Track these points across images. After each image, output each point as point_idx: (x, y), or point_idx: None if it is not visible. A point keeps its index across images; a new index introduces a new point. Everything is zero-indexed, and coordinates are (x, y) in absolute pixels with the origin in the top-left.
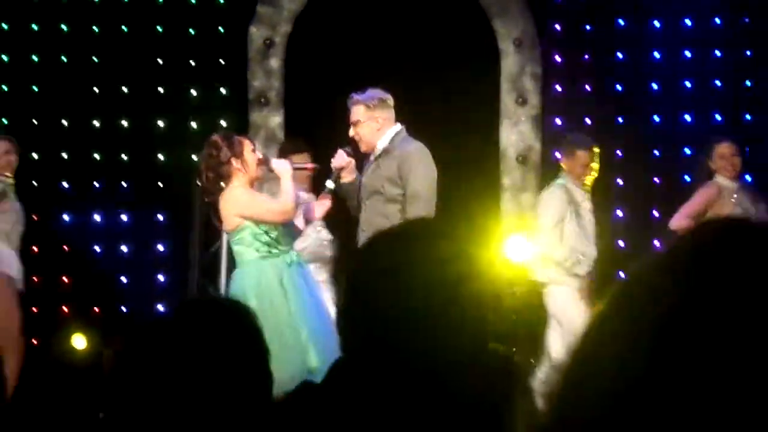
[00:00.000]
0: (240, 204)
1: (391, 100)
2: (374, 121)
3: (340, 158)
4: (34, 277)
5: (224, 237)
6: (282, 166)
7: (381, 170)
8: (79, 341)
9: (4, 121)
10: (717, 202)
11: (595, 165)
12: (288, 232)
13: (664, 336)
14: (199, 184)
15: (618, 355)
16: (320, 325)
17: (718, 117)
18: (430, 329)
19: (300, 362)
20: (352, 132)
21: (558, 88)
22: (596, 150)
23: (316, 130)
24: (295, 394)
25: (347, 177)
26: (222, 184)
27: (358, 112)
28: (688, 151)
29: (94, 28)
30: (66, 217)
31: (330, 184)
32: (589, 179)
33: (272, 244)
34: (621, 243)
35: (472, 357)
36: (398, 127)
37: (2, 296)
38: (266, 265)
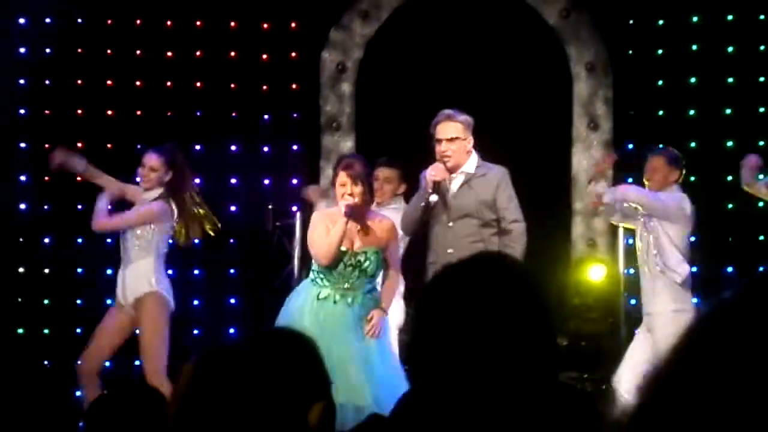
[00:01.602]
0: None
1: None
2: (468, 142)
3: (440, 171)
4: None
5: (295, 261)
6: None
7: (475, 193)
8: None
9: (79, 145)
10: None
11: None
12: (342, 274)
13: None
14: (270, 207)
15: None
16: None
17: None
18: (499, 363)
19: None
20: (444, 147)
21: (630, 113)
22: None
23: (387, 155)
24: (364, 427)
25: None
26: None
27: (456, 129)
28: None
29: (168, 53)
30: None
31: (434, 197)
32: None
33: (317, 274)
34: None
35: (542, 389)
36: (476, 154)
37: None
38: (311, 287)
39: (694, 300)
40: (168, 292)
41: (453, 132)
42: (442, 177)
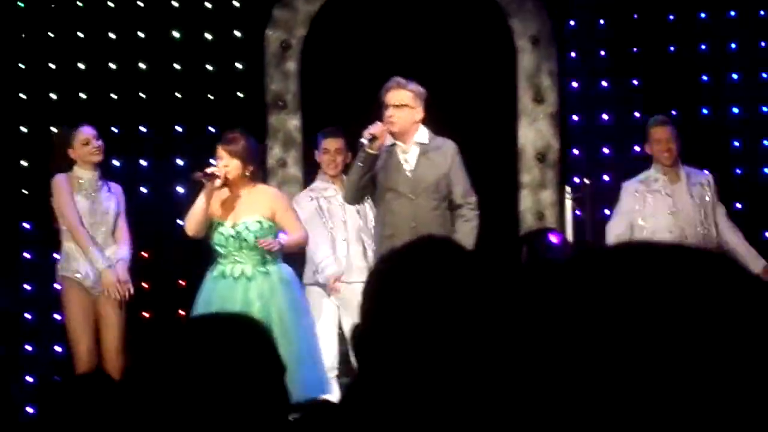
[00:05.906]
0: None
1: None
2: (417, 113)
3: (380, 127)
4: None
5: None
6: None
7: (433, 165)
8: None
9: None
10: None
11: None
12: (233, 242)
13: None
14: None
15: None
16: None
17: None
18: (447, 350)
19: None
20: (390, 112)
21: (575, 85)
22: None
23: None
24: (311, 413)
25: (375, 146)
26: None
27: (406, 96)
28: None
29: (111, 35)
30: None
31: (365, 140)
32: None
33: (216, 252)
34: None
35: (490, 375)
36: (425, 128)
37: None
38: (210, 271)
39: None
40: None
41: (401, 99)
42: (380, 132)
